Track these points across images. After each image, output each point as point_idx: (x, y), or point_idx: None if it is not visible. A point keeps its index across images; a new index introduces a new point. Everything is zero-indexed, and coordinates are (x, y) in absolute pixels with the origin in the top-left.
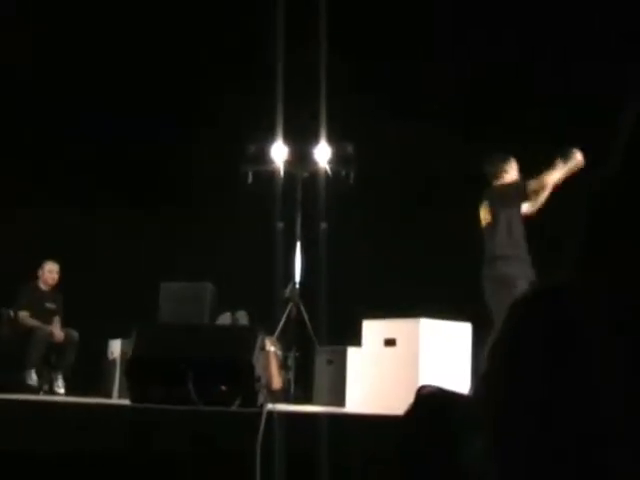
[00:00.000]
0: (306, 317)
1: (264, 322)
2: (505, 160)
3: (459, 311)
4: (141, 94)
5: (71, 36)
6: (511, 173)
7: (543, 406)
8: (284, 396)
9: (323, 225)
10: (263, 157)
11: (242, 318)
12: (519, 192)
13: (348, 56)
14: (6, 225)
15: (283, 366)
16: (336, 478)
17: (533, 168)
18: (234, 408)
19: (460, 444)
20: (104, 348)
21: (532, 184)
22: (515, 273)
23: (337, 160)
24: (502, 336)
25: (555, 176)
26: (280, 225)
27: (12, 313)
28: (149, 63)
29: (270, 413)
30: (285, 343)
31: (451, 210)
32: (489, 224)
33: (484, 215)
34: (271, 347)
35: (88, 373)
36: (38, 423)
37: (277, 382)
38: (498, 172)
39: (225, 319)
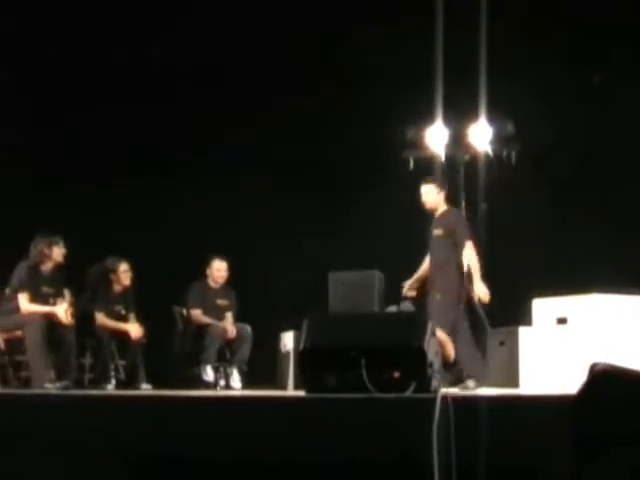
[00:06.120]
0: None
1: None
2: None
3: (632, 286)
4: (303, 78)
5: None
6: None
7: None
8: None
9: (483, 205)
10: (422, 141)
11: (408, 309)
12: None
13: (508, 33)
14: (173, 225)
15: None
16: (512, 458)
17: None
18: (408, 394)
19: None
20: (277, 341)
21: None
22: None
23: (498, 140)
24: None
25: None
26: None
27: (185, 312)
28: (310, 45)
29: (444, 398)
30: None
31: (615, 186)
32: None
33: None
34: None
35: (263, 366)
36: (217, 418)
37: (452, 356)
38: None
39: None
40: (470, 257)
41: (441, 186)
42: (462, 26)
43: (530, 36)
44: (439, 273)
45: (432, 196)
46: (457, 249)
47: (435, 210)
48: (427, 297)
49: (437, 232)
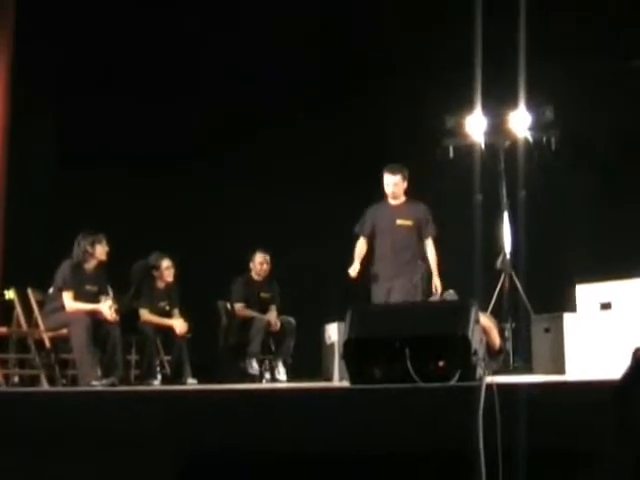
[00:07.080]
0: (520, 287)
1: (477, 295)
2: None
3: None
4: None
5: None
6: None
7: None
8: (504, 365)
9: (522, 193)
10: (462, 129)
11: (451, 297)
12: None
13: (547, 19)
14: (216, 220)
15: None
16: (558, 445)
17: None
18: (453, 383)
19: None
20: (321, 333)
21: None
22: None
23: (537, 127)
24: None
25: None
26: (479, 197)
27: (229, 305)
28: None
29: (489, 386)
30: (501, 314)
31: None
32: None
33: None
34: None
35: (308, 358)
36: (263, 411)
37: (497, 343)
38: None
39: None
40: (433, 251)
41: (406, 176)
42: (501, 14)
43: (569, 21)
44: (406, 266)
45: (399, 186)
46: (419, 240)
47: (397, 199)
48: (384, 283)
49: (404, 222)
